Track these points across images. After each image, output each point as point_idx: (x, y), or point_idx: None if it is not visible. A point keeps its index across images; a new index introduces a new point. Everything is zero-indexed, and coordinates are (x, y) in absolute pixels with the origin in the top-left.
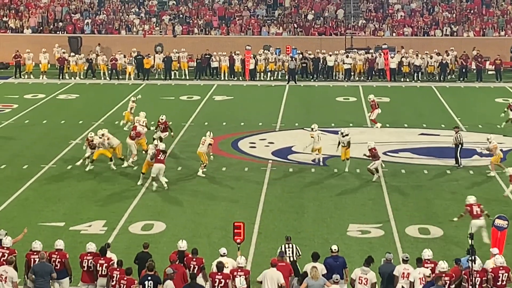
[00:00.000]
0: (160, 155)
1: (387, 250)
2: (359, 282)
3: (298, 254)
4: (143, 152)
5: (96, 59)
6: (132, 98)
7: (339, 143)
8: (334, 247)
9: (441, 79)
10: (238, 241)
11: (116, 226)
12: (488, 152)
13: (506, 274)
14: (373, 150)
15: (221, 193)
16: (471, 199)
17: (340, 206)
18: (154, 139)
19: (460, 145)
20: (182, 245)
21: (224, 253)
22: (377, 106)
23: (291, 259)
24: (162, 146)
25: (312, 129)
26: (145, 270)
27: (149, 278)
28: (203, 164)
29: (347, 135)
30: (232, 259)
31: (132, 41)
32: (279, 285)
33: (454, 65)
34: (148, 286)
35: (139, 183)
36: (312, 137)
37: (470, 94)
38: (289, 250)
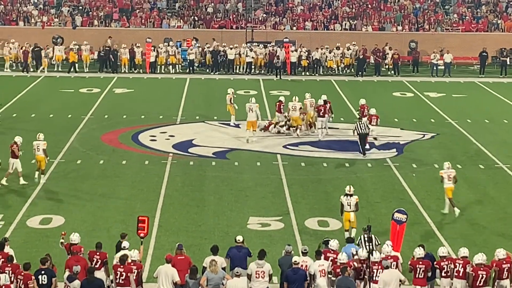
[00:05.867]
0: None
1: (287, 242)
2: (256, 277)
3: (376, 243)
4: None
5: None
6: (229, 91)
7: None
8: (239, 238)
9: (359, 73)
10: (142, 235)
11: (13, 220)
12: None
13: (395, 263)
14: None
15: (121, 186)
16: None
17: (240, 199)
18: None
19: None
20: (74, 237)
21: (124, 247)
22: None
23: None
24: None
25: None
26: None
27: (43, 272)
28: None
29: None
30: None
31: (31, 32)
32: (174, 282)
33: (353, 59)
34: (42, 280)
35: None
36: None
37: (368, 88)
38: (366, 239)
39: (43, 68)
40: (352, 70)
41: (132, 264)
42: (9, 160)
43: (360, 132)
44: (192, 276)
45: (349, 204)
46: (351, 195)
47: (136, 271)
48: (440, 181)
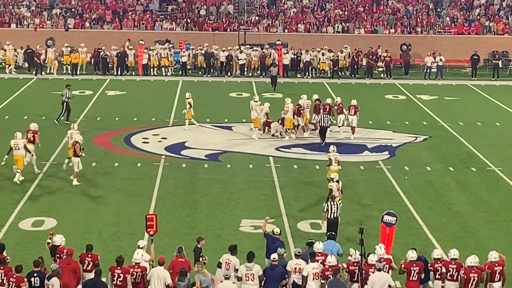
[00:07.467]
0: None
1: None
2: (246, 279)
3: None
4: None
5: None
6: (187, 95)
7: None
8: (277, 230)
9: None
10: (151, 233)
11: (5, 222)
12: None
13: (387, 266)
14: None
15: (113, 189)
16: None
17: (233, 202)
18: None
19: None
20: (55, 239)
21: (139, 245)
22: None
23: (335, 215)
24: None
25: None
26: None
27: (35, 274)
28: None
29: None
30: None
31: (23, 34)
32: (166, 284)
33: (347, 62)
34: (34, 282)
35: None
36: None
37: (360, 90)
38: (334, 207)
39: (54, 70)
40: (346, 73)
41: (136, 266)
42: (72, 159)
43: (322, 125)
44: (181, 278)
45: (338, 189)
46: (337, 181)
47: (140, 274)
48: (327, 165)
